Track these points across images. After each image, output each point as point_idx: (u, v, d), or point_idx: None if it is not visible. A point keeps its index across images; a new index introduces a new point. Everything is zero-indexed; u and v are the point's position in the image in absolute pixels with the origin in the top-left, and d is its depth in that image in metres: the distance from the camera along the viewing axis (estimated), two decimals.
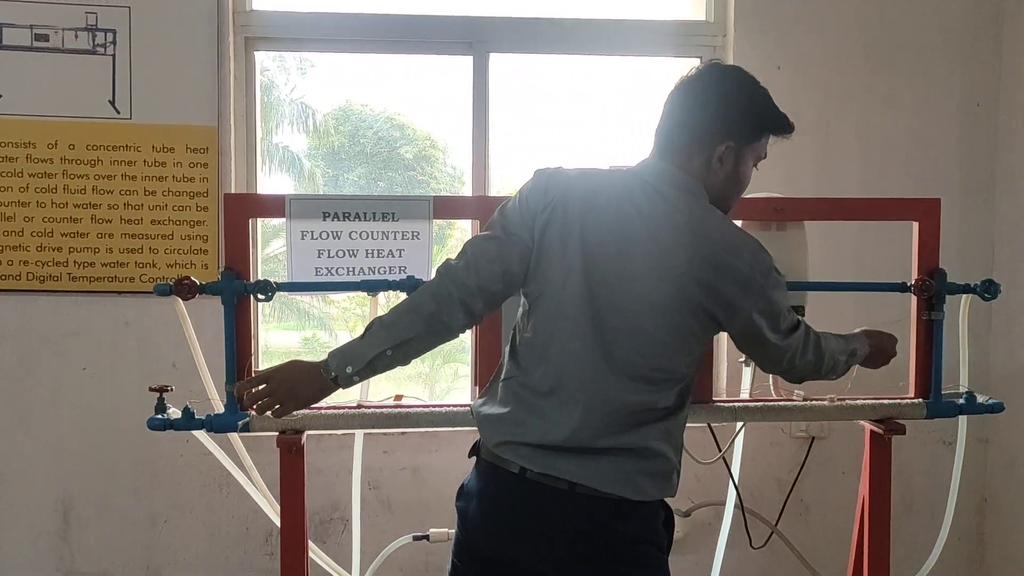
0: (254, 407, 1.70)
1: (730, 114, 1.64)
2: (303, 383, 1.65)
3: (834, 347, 1.80)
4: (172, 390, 2.03)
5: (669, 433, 1.62)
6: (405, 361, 1.65)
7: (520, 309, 1.70)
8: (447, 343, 1.69)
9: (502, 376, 1.68)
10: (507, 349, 1.70)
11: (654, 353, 1.58)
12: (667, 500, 1.68)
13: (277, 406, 1.66)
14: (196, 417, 1.99)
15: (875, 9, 3.06)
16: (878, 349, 1.96)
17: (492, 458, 1.64)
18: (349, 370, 1.62)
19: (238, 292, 1.99)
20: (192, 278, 1.97)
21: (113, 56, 2.85)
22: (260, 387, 1.67)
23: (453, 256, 1.69)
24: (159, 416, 1.99)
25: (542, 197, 1.62)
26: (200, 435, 2.10)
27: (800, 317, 1.74)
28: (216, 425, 1.99)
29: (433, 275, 1.68)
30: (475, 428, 1.72)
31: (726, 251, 1.57)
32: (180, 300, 1.99)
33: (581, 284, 1.58)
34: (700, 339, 1.63)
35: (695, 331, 1.60)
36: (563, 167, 1.68)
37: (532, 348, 1.63)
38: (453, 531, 2.79)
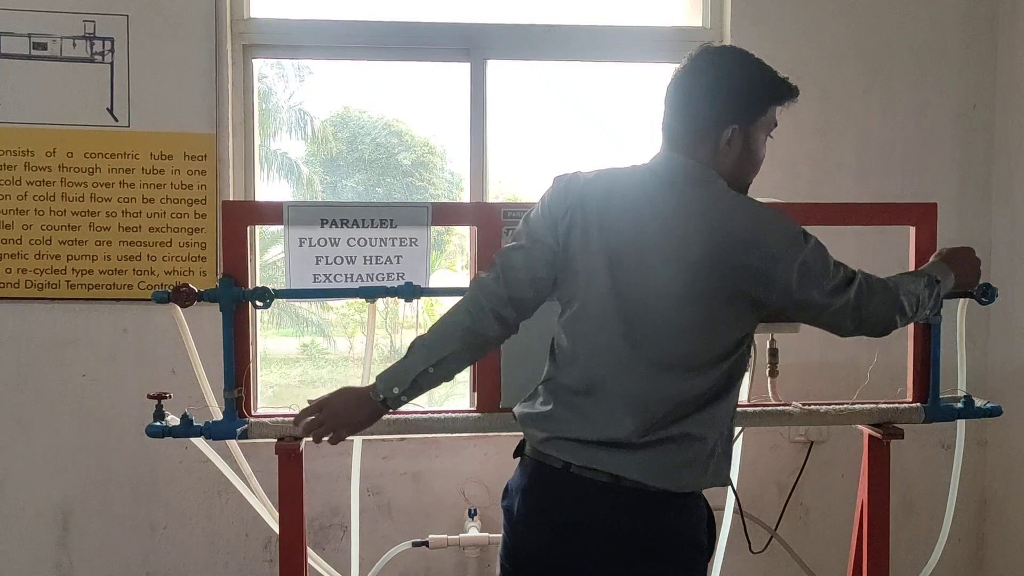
0: (310, 436, 1.72)
1: (729, 97, 1.64)
2: (354, 408, 1.70)
3: (909, 285, 1.75)
4: (171, 397, 2.03)
5: (713, 418, 1.61)
6: (448, 376, 1.71)
7: (557, 314, 1.73)
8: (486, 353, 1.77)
9: (543, 378, 1.73)
10: (549, 353, 1.75)
11: (683, 343, 1.58)
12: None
13: (331, 434, 1.70)
14: (194, 424, 2.00)
15: (871, 13, 3.07)
16: (961, 269, 1.92)
17: (536, 455, 1.67)
18: (396, 391, 1.67)
19: (236, 299, 1.99)
20: (190, 285, 1.98)
21: (111, 64, 2.86)
22: (312, 416, 1.70)
23: (480, 270, 1.74)
24: (158, 423, 2.00)
25: (562, 201, 1.66)
26: (199, 442, 2.10)
27: (857, 269, 1.68)
28: (214, 432, 2.00)
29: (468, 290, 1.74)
30: (473, 434, 1.73)
31: (745, 230, 1.56)
32: (178, 307, 1.99)
33: (606, 283, 1.61)
34: (735, 323, 1.61)
35: (726, 316, 1.58)
36: (580, 171, 1.70)
37: (566, 349, 1.67)
38: (452, 537, 2.81)
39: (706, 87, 1.64)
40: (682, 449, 1.58)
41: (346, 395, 1.72)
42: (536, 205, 1.71)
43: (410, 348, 1.69)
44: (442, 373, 1.68)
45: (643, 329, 1.58)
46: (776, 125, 1.75)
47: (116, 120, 2.87)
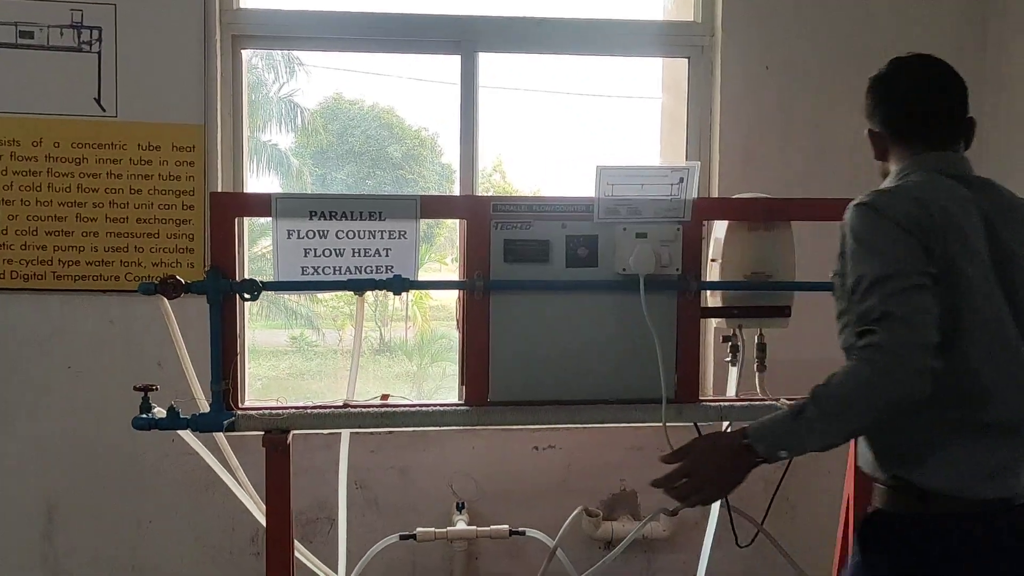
0: (672, 495, 1.59)
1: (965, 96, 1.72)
2: (729, 471, 1.54)
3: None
4: (157, 389, 2.02)
5: None
6: (846, 441, 1.64)
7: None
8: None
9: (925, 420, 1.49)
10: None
11: None
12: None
13: (697, 495, 1.57)
14: (181, 416, 1.99)
15: (862, 10, 3.08)
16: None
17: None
18: (783, 454, 1.52)
19: (224, 291, 1.98)
20: (177, 277, 1.97)
21: (99, 54, 2.83)
22: (684, 481, 1.57)
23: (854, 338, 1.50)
24: (144, 415, 1.99)
25: (922, 224, 1.50)
26: (185, 435, 2.09)
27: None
28: (201, 424, 1.99)
29: (848, 361, 1.52)
30: (461, 427, 1.69)
31: None
32: (165, 299, 1.98)
33: (1000, 300, 1.52)
34: None
35: None
36: (885, 189, 1.64)
37: (973, 380, 1.49)
38: (440, 530, 2.81)
39: (962, 88, 1.71)
40: None
41: (718, 455, 1.55)
42: (866, 244, 1.52)
43: (801, 412, 1.47)
44: (842, 441, 1.56)
45: None
46: None
47: (103, 110, 2.85)
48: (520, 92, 3.30)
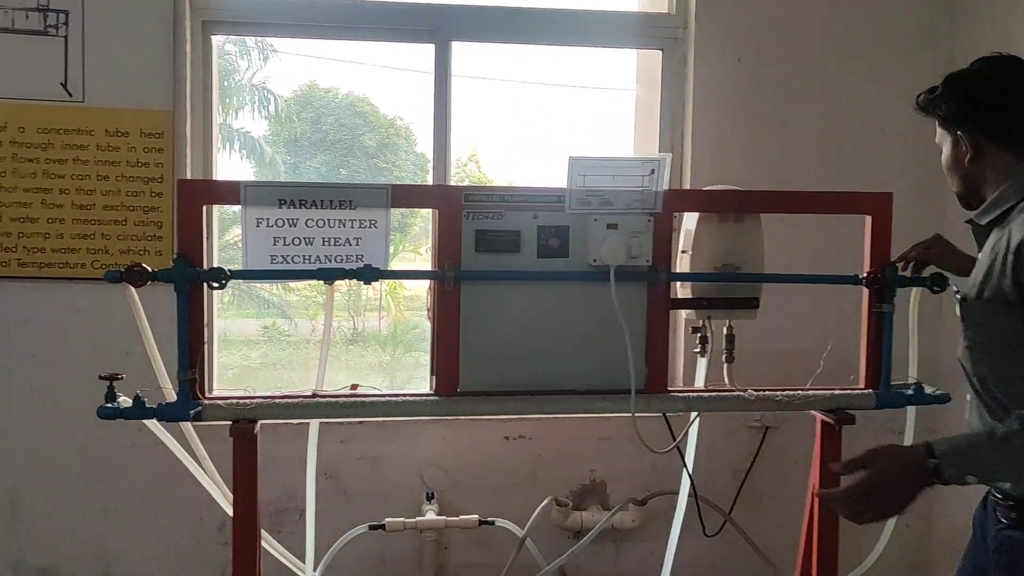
0: (845, 512, 1.57)
1: None
2: (908, 489, 1.53)
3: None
4: (123, 378, 1.99)
5: None
6: None
7: None
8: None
9: None
10: None
11: None
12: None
13: (872, 513, 1.55)
14: (147, 406, 1.97)
15: (832, 4, 3.10)
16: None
17: None
18: (972, 480, 1.53)
19: (191, 279, 1.96)
20: (143, 264, 1.94)
21: (65, 38, 2.79)
22: (857, 489, 1.54)
23: None
24: (109, 405, 1.96)
25: None
26: (152, 424, 2.07)
27: None
28: (167, 414, 1.97)
29: None
30: (432, 417, 1.69)
31: None
32: (131, 287, 1.95)
33: None
34: None
35: None
36: None
37: None
38: (409, 520, 2.81)
39: None
40: None
41: (901, 474, 1.53)
42: None
43: (1008, 442, 1.48)
44: None
45: None
46: None
47: (70, 95, 2.81)
48: (498, 82, 3.29)
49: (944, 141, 1.79)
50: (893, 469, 1.54)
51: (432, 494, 2.98)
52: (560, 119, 3.40)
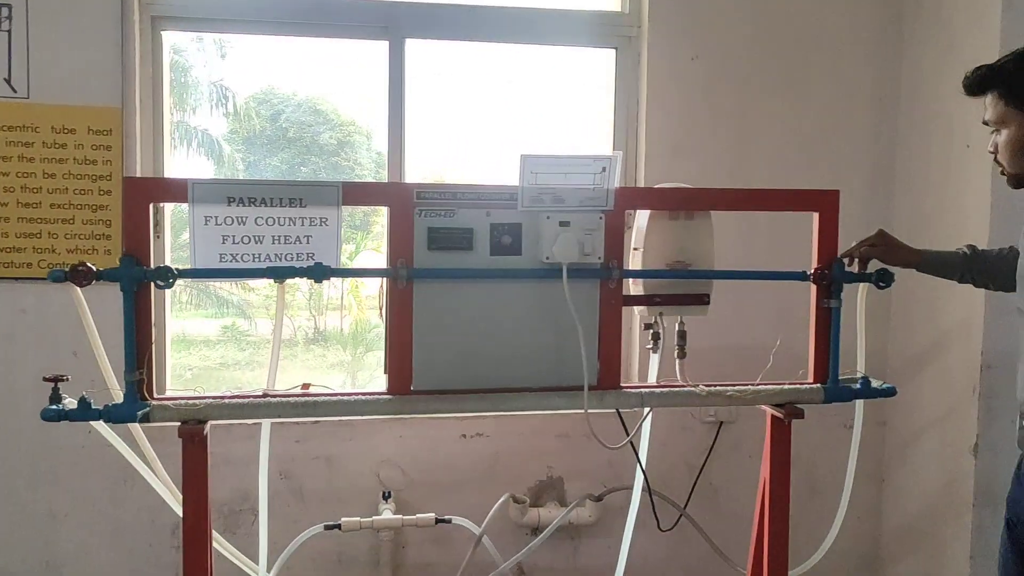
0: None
1: None
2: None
3: None
4: (68, 379, 1.95)
5: None
6: None
7: None
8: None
9: None
10: None
11: None
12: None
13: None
14: (93, 407, 1.93)
15: (785, 4, 3.14)
16: None
17: None
18: None
19: (138, 279, 1.93)
20: (88, 263, 1.90)
21: (9, 32, 2.73)
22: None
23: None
24: (54, 407, 1.92)
25: None
26: (101, 426, 2.03)
27: None
28: (114, 415, 1.93)
29: None
30: (385, 415, 1.68)
31: None
32: (76, 287, 1.92)
33: None
34: None
35: None
36: None
37: None
38: (365, 520, 2.79)
39: None
40: None
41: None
42: None
43: None
44: None
45: None
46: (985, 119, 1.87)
47: (14, 91, 2.75)
48: (461, 80, 3.28)
49: (1010, 121, 1.82)
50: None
51: (389, 493, 2.97)
52: (527, 117, 3.39)
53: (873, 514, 3.33)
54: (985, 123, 1.88)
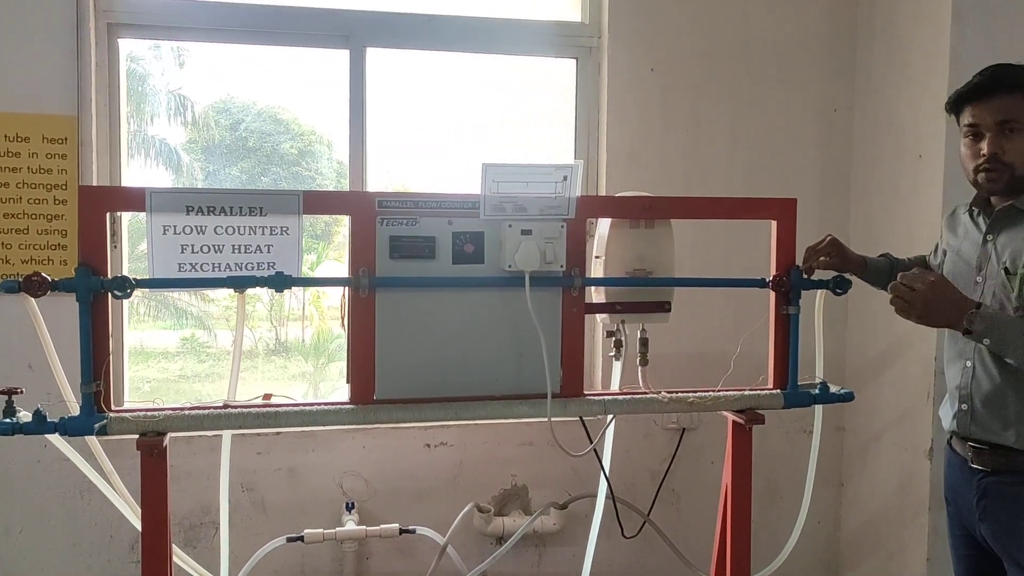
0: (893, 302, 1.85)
1: None
2: (938, 313, 1.82)
3: None
4: (22, 392, 1.91)
5: None
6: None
7: None
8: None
9: None
10: None
11: None
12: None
13: (907, 310, 1.83)
14: (48, 420, 1.89)
15: (740, 13, 3.19)
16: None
17: None
18: (987, 342, 1.80)
19: (94, 289, 1.90)
20: (42, 274, 1.87)
21: None
22: (908, 282, 1.82)
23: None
24: (7, 420, 1.88)
25: None
26: (56, 440, 2.00)
27: None
28: (70, 428, 1.90)
29: None
30: (350, 426, 1.67)
31: None
32: (31, 297, 1.88)
33: None
34: None
35: None
36: None
37: None
38: (328, 531, 2.77)
39: None
40: None
41: (946, 298, 1.80)
42: None
43: None
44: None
45: None
46: (963, 127, 1.94)
47: None
48: (423, 89, 3.29)
49: None
50: (943, 288, 1.82)
51: (352, 504, 2.95)
52: (473, 124, 3.41)
53: (833, 517, 3.38)
54: (997, 124, 1.85)
